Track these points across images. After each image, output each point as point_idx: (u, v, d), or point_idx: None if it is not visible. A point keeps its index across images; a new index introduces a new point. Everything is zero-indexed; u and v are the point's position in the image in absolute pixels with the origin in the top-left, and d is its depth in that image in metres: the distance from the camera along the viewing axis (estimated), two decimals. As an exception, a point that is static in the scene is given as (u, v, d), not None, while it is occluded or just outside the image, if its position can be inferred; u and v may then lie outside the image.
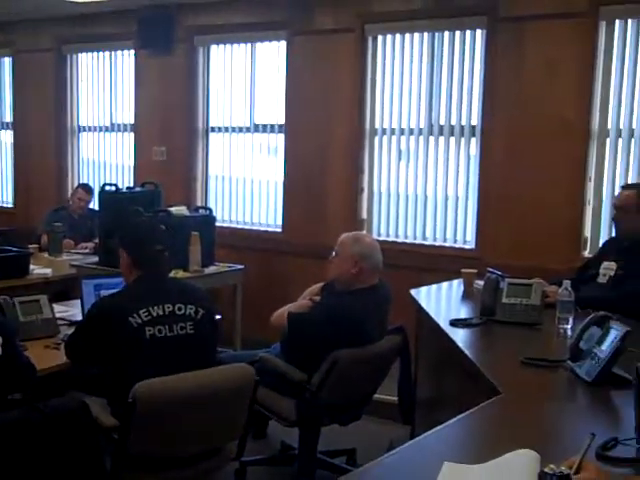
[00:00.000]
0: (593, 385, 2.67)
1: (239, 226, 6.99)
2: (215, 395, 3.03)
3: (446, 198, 5.93)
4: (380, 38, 6.07)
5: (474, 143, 5.74)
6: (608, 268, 4.23)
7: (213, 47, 7.00)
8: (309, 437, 3.94)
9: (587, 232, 5.36)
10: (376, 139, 6.18)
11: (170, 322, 3.16)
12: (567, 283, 3.62)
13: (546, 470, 1.54)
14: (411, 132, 6.02)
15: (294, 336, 3.81)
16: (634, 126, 5.15)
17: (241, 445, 3.27)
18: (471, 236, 5.82)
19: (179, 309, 3.21)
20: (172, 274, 5.03)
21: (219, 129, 7.08)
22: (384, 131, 6.14)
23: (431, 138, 5.91)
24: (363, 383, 3.90)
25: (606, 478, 1.67)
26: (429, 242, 6.00)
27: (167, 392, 2.90)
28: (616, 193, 4.66)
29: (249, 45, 6.79)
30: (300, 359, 3.74)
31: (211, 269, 5.80)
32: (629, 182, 4.94)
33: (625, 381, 2.53)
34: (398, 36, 5.99)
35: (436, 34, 5.82)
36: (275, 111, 6.69)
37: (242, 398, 3.16)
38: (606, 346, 2.72)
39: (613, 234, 4.60)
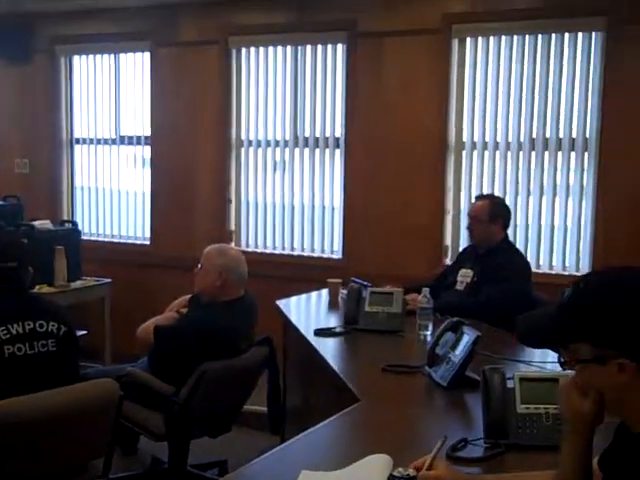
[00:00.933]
0: (448, 389, 2.81)
1: (107, 239, 6.88)
2: (77, 412, 2.98)
3: (313, 209, 6.03)
4: (244, 50, 6.11)
5: (338, 154, 5.87)
6: (465, 275, 4.44)
7: (75, 57, 6.86)
8: (179, 451, 3.94)
9: (447, 240, 5.57)
10: (242, 150, 6.22)
11: (31, 340, 3.10)
12: (426, 291, 3.77)
13: (394, 473, 1.62)
14: (277, 144, 6.09)
15: (161, 349, 3.81)
16: (487, 139, 5.39)
17: (107, 462, 3.23)
18: (338, 246, 5.95)
19: (40, 326, 3.15)
20: (37, 289, 4.95)
21: (84, 141, 6.94)
22: (250, 143, 6.18)
23: (296, 150, 6.01)
24: (232, 395, 3.93)
25: (453, 475, 1.77)
26: (297, 252, 6.08)
27: (25, 411, 2.83)
28: (472, 202, 4.88)
29: (112, 56, 6.70)
30: (167, 372, 3.73)
31: (77, 283, 5.72)
32: (483, 192, 5.17)
33: (477, 383, 2.63)
34: (262, 49, 6.05)
35: (299, 47, 5.91)
36: (141, 122, 6.63)
37: (106, 414, 3.12)
38: (459, 351, 2.86)
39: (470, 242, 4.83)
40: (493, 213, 4.41)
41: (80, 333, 5.44)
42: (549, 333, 1.58)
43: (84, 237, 6.23)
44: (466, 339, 2.86)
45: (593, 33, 5.06)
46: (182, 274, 5.30)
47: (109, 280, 6.01)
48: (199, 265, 3.90)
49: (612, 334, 1.45)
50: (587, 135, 5.14)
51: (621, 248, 4.97)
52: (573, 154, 5.19)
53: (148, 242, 6.63)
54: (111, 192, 6.91)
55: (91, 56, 6.79)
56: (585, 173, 5.18)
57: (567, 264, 5.27)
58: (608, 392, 1.51)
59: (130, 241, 6.79)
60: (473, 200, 4.80)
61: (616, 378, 1.46)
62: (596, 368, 1.48)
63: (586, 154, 5.15)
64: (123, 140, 6.77)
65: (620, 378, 1.46)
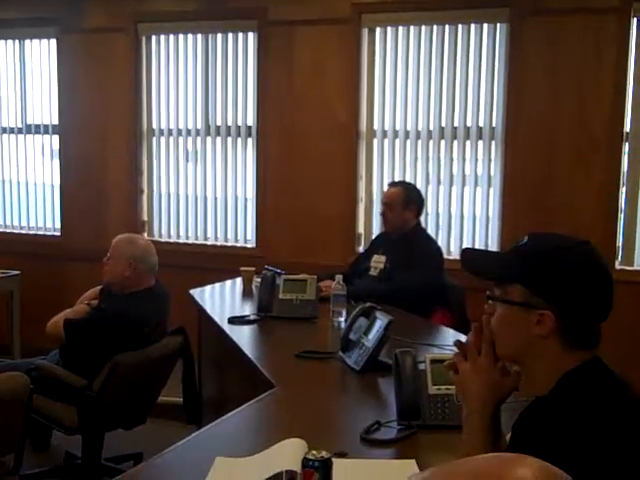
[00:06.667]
0: (361, 373, 2.85)
1: (15, 230, 6.71)
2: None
3: (226, 198, 6.01)
4: (154, 38, 6.03)
5: (250, 143, 5.86)
6: (378, 261, 4.50)
7: (-23, 44, 6.66)
8: (93, 444, 3.88)
9: (360, 228, 5.63)
10: (154, 140, 6.14)
11: None
12: (339, 277, 3.80)
13: (308, 456, 1.65)
14: (189, 133, 6.04)
15: (72, 343, 3.74)
16: (397, 127, 5.46)
17: (18, 458, 3.17)
18: (251, 235, 5.95)
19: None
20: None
21: (-12, 130, 6.75)
22: (162, 132, 6.11)
23: (208, 139, 5.97)
24: (146, 385, 3.89)
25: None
26: (211, 242, 6.06)
27: None
28: (384, 190, 4.94)
29: (17, 42, 6.52)
30: (80, 365, 3.67)
31: (-17, 276, 5.57)
32: (395, 179, 5.24)
33: (390, 367, 2.67)
34: (172, 36, 5.98)
35: (209, 36, 5.87)
36: (49, 111, 6.48)
37: (16, 408, 3.06)
38: (372, 336, 2.90)
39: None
40: (407, 199, 4.48)
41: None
42: (494, 265, 1.68)
43: (-10, 229, 6.09)
44: (379, 324, 2.90)
45: (498, 24, 5.18)
46: (94, 265, 5.18)
47: (18, 272, 5.87)
48: (108, 255, 3.85)
49: (547, 284, 1.54)
50: (494, 124, 5.26)
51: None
52: (481, 143, 5.31)
53: (58, 233, 6.49)
54: (18, 183, 6.73)
55: (-6, 42, 6.60)
56: (492, 162, 5.31)
57: (476, 250, 5.38)
58: (518, 343, 1.59)
59: (40, 232, 6.64)
60: (386, 187, 4.86)
61: (532, 329, 1.54)
62: (519, 313, 1.57)
63: (493, 143, 5.28)
64: (30, 129, 6.60)
65: (535, 330, 1.54)
